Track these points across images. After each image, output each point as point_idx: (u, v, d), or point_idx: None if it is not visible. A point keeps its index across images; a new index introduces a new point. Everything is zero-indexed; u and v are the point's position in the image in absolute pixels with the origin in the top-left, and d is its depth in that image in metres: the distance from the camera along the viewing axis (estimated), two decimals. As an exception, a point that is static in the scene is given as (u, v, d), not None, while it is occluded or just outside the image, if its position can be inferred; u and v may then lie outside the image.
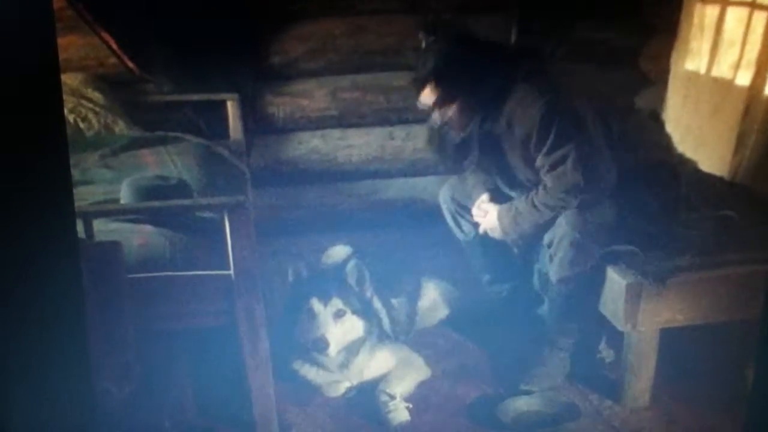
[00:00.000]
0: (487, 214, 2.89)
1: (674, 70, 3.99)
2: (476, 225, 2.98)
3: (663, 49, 4.02)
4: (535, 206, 2.71)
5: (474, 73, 2.71)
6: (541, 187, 2.69)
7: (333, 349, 2.69)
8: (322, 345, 2.68)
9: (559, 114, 2.61)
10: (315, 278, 2.88)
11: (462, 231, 3.10)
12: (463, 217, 3.07)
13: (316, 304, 2.74)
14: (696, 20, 3.79)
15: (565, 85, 2.74)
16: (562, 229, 2.67)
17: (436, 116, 2.81)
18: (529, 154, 2.69)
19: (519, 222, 2.79)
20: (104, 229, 2.45)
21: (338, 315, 2.75)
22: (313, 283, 2.82)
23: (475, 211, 2.95)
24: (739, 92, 3.53)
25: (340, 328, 2.74)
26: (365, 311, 2.83)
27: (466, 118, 2.78)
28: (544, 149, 2.63)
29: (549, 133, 2.61)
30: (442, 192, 3.18)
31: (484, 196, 2.92)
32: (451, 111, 2.76)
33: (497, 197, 2.92)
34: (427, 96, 2.75)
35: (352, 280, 2.85)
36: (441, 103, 2.76)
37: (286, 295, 2.86)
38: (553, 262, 2.70)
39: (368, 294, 2.88)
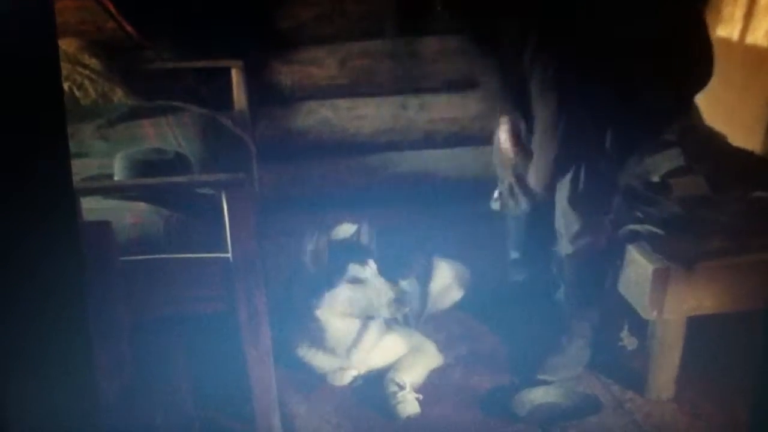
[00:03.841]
0: None
1: (704, 38, 3.81)
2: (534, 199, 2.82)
3: (692, 15, 3.83)
4: None
5: None
6: None
7: (406, 310, 2.62)
8: (401, 302, 2.58)
9: None
10: (337, 247, 2.73)
11: (516, 203, 2.90)
12: (522, 189, 2.86)
13: (358, 269, 2.60)
14: (730, -16, 3.61)
15: None
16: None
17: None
18: None
19: None
20: (95, 206, 2.32)
21: (377, 276, 2.62)
22: (334, 252, 2.66)
23: None
24: (774, 62, 3.37)
25: (387, 289, 2.61)
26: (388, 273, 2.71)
27: None
28: None
29: None
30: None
31: None
32: None
33: None
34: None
35: (365, 240, 2.73)
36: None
37: (306, 269, 2.68)
38: (563, 236, 2.59)
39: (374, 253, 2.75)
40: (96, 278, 2.02)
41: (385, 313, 2.60)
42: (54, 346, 1.23)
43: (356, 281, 2.59)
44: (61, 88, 1.29)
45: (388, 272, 2.80)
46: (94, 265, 2.02)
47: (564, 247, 2.59)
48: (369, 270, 2.62)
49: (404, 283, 2.91)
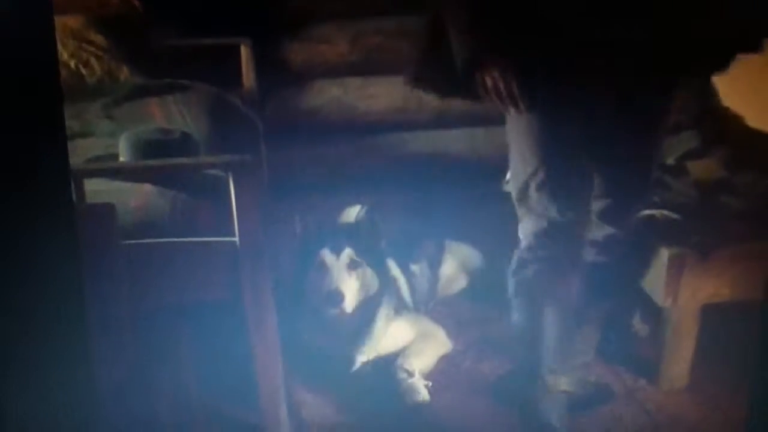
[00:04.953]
0: None
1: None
2: None
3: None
4: None
5: None
6: None
7: (348, 304, 2.51)
8: (337, 298, 2.48)
9: None
10: (326, 231, 2.70)
11: None
12: None
13: (328, 256, 2.55)
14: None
15: None
16: None
17: None
18: None
19: None
20: (99, 188, 2.27)
21: (352, 267, 2.56)
22: (324, 236, 2.64)
23: None
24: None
25: (355, 282, 2.55)
26: (380, 265, 2.65)
27: None
28: None
29: None
30: None
31: None
32: None
33: None
34: None
35: (364, 230, 2.67)
36: None
37: (295, 249, 2.68)
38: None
39: (382, 244, 2.69)
40: (98, 263, 1.98)
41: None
42: (49, 334, 1.21)
43: (323, 268, 2.55)
44: (58, 67, 1.24)
45: (399, 258, 2.77)
46: (95, 249, 1.98)
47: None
48: (341, 259, 2.55)
49: (414, 268, 2.88)
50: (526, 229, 2.24)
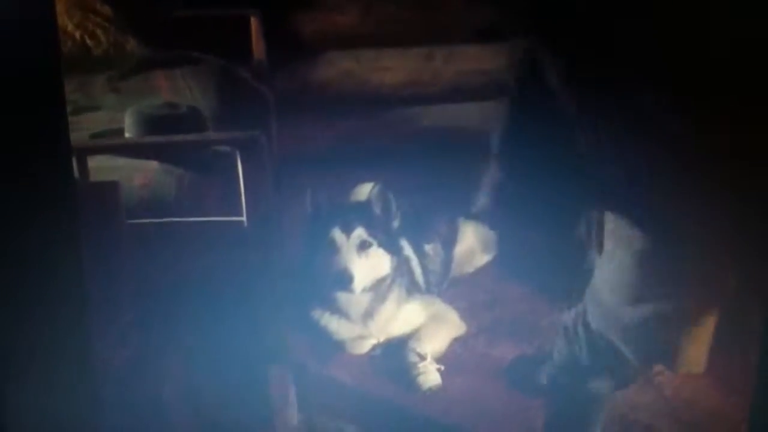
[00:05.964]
0: None
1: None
2: None
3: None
4: None
5: None
6: None
7: (358, 284, 2.46)
8: (345, 279, 2.44)
9: None
10: (337, 210, 2.65)
11: None
12: None
13: (338, 235, 2.50)
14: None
15: None
16: None
17: None
18: None
19: None
20: (103, 165, 2.23)
21: (363, 247, 2.51)
22: (335, 215, 2.59)
23: None
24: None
25: (366, 262, 2.51)
26: (392, 245, 2.60)
27: None
28: None
29: None
30: None
31: None
32: None
33: None
34: None
35: (377, 209, 2.61)
36: None
37: (305, 228, 2.64)
38: None
39: (395, 224, 2.64)
40: (101, 242, 1.94)
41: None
42: (49, 317, 1.17)
43: (333, 248, 2.50)
44: (58, 39, 1.18)
45: (412, 237, 2.71)
46: (99, 228, 1.95)
47: None
48: (352, 238, 2.51)
49: (428, 247, 2.82)
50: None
